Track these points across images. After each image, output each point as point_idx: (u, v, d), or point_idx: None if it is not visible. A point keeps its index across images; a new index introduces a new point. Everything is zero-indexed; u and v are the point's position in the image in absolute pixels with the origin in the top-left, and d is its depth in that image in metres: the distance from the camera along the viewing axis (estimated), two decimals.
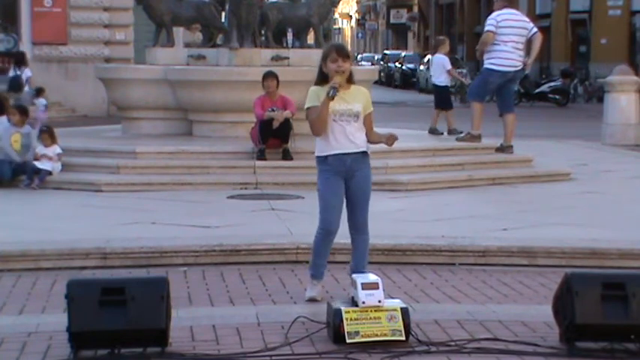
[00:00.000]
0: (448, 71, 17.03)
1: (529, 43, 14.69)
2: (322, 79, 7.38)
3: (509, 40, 14.46)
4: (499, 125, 15.15)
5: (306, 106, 7.44)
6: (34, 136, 13.18)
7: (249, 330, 6.78)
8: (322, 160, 7.44)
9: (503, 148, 14.70)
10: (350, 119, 7.36)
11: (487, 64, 14.69)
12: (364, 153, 7.46)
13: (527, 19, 15.03)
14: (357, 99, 7.40)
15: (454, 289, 8.10)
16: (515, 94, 15.18)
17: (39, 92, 21.46)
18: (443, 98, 17.27)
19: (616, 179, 14.35)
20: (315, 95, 7.35)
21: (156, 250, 9.04)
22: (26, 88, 21.62)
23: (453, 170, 13.69)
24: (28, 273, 8.58)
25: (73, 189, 12.48)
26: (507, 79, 14.67)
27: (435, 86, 17.68)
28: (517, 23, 14.61)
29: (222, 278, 8.45)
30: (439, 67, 17.29)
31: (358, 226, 7.55)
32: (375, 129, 7.65)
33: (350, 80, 7.41)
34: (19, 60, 22.13)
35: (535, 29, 14.72)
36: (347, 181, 7.43)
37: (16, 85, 21.35)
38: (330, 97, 7.21)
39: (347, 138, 7.37)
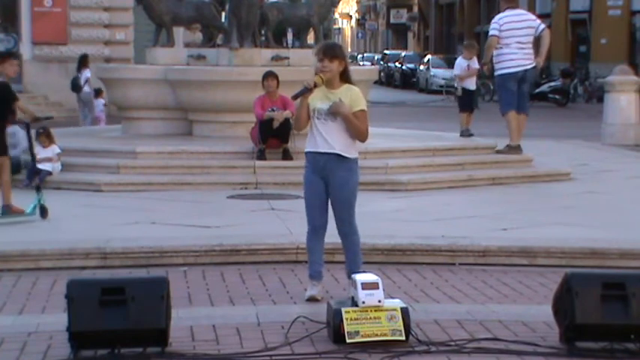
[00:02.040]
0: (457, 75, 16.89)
1: (538, 40, 14.67)
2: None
3: (512, 41, 14.45)
4: (502, 125, 15.14)
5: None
6: (22, 136, 13.21)
7: (249, 330, 6.78)
8: (305, 155, 7.56)
9: (508, 149, 14.69)
10: (328, 119, 7.32)
11: (498, 72, 14.63)
12: (340, 156, 7.36)
13: (533, 18, 14.89)
14: (341, 99, 7.32)
15: (454, 289, 8.10)
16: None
17: (98, 93, 21.95)
18: (465, 100, 16.96)
19: (616, 179, 14.35)
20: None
21: (156, 250, 9.04)
22: (86, 88, 22.39)
23: (453, 170, 13.69)
24: (28, 273, 8.59)
25: (73, 189, 12.48)
26: (519, 80, 14.59)
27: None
28: (520, 24, 14.56)
29: (222, 278, 8.46)
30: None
31: (341, 228, 7.56)
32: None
33: (344, 79, 7.38)
34: (82, 62, 22.64)
35: (542, 26, 14.66)
36: (326, 182, 7.43)
37: (75, 85, 22.45)
38: (293, 97, 7.29)
39: (322, 137, 7.35)
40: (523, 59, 14.44)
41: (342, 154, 7.37)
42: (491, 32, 14.62)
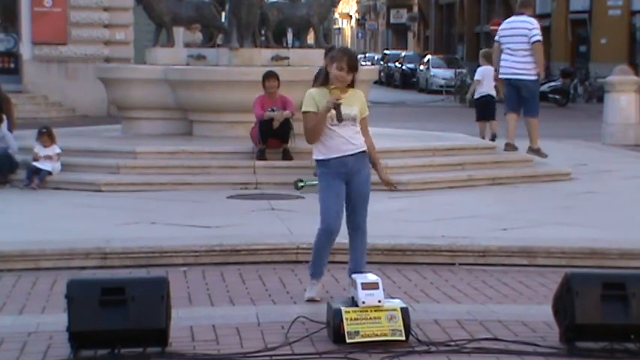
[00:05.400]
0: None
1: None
2: (325, 79, 7.35)
3: (506, 47, 14.79)
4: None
5: (303, 110, 7.40)
6: (10, 138, 13.23)
7: (249, 330, 6.78)
8: (324, 162, 7.43)
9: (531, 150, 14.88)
10: (347, 123, 7.33)
11: None
12: (364, 152, 7.44)
13: (530, 27, 14.71)
14: (354, 103, 7.37)
15: (454, 289, 8.10)
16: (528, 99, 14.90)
17: None
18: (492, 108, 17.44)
19: (616, 179, 14.35)
20: (311, 100, 7.32)
21: (156, 250, 9.04)
22: None
23: (453, 170, 13.69)
24: (28, 273, 8.58)
25: (73, 189, 12.48)
26: (518, 88, 14.73)
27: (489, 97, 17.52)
28: (512, 31, 14.81)
29: (222, 278, 8.46)
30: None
31: (357, 226, 7.55)
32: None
33: (350, 84, 7.39)
34: None
35: (534, 38, 14.59)
36: (348, 182, 7.43)
37: None
38: (340, 119, 7.23)
39: (346, 141, 7.35)
40: (510, 67, 14.65)
41: (365, 149, 7.44)
42: (494, 38, 15.24)
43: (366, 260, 7.69)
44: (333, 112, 7.24)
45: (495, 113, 17.64)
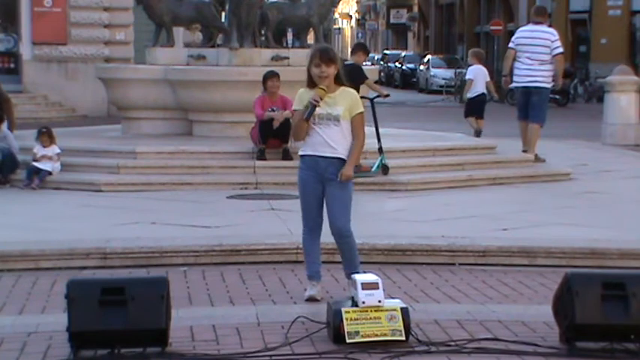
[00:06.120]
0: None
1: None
2: (310, 81, 7.37)
3: (522, 55, 14.77)
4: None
5: (292, 108, 7.49)
6: (12, 138, 13.23)
7: (249, 330, 6.78)
8: (301, 158, 7.50)
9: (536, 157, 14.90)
10: (329, 123, 7.30)
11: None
12: (342, 160, 7.35)
13: (553, 38, 14.77)
14: (340, 102, 7.32)
15: (454, 289, 8.10)
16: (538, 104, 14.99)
17: None
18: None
19: (616, 179, 14.35)
20: (298, 98, 7.40)
21: (156, 250, 9.04)
22: None
23: (453, 170, 13.69)
24: (28, 273, 8.59)
25: (73, 189, 12.48)
26: (530, 94, 14.77)
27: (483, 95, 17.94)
28: (531, 40, 14.78)
29: (222, 278, 8.46)
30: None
31: (335, 231, 7.53)
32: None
33: (338, 82, 7.38)
34: None
35: (557, 50, 14.68)
36: (323, 185, 7.41)
37: None
38: (306, 119, 7.22)
39: (324, 142, 7.32)
40: (527, 75, 14.67)
41: (345, 157, 7.37)
42: (509, 45, 15.19)
43: (358, 262, 7.67)
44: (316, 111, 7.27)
45: (484, 111, 17.94)
